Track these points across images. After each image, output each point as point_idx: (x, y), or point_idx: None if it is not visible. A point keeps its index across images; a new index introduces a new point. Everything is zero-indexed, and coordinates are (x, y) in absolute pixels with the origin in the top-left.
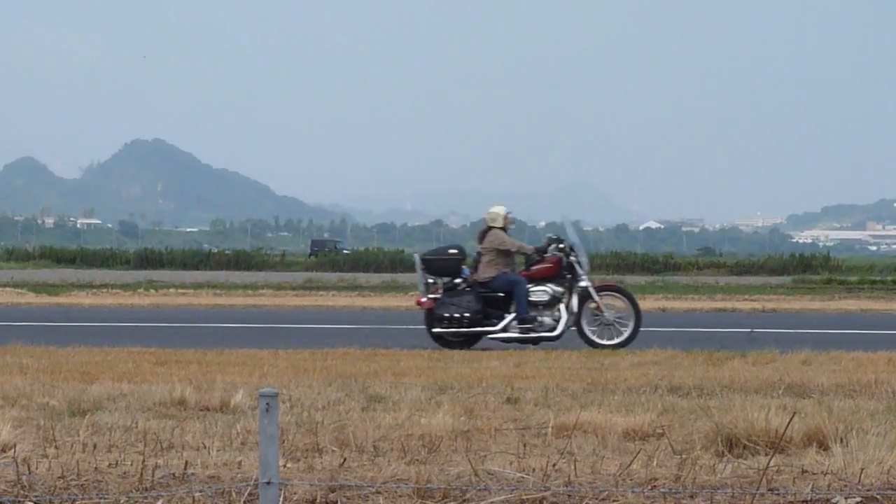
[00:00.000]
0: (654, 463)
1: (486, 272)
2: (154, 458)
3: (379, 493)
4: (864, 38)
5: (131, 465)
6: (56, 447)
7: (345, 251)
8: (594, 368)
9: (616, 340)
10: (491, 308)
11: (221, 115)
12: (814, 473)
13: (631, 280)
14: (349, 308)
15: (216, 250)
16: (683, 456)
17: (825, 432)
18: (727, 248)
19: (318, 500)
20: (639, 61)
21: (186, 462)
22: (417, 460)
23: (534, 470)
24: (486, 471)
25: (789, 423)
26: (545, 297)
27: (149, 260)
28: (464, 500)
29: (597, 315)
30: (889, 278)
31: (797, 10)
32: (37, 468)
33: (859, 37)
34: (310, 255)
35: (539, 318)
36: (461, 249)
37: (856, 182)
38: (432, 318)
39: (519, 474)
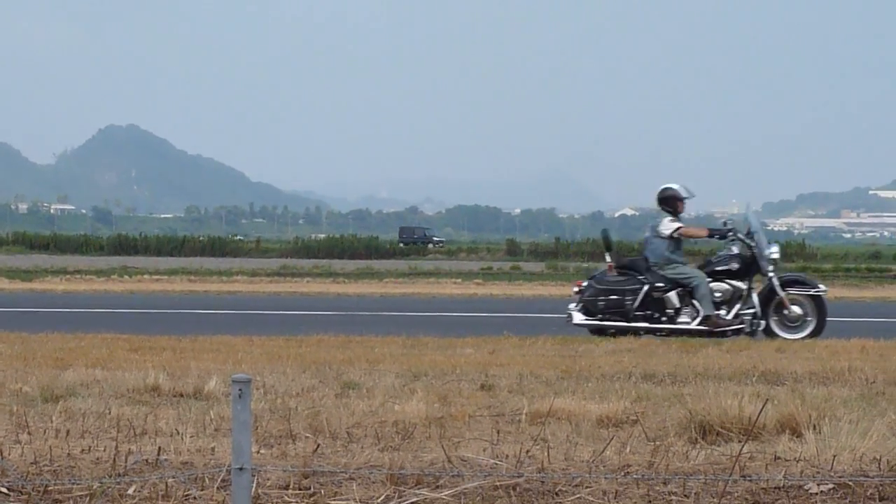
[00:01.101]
0: (628, 450)
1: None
2: (127, 444)
3: (352, 479)
4: (841, 28)
5: (104, 450)
6: (29, 433)
7: (437, 240)
8: (568, 356)
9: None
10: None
11: (197, 101)
12: (786, 460)
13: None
14: (324, 295)
15: (191, 237)
16: (657, 443)
17: (798, 419)
18: None
19: (291, 486)
20: (617, 52)
21: (160, 448)
22: (391, 447)
23: (507, 456)
24: (460, 457)
25: (762, 410)
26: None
27: (123, 246)
28: (437, 487)
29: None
30: (863, 266)
31: (775, 1)
32: (9, 454)
33: (835, 27)
34: (398, 242)
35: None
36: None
37: (831, 170)
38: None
39: (492, 461)
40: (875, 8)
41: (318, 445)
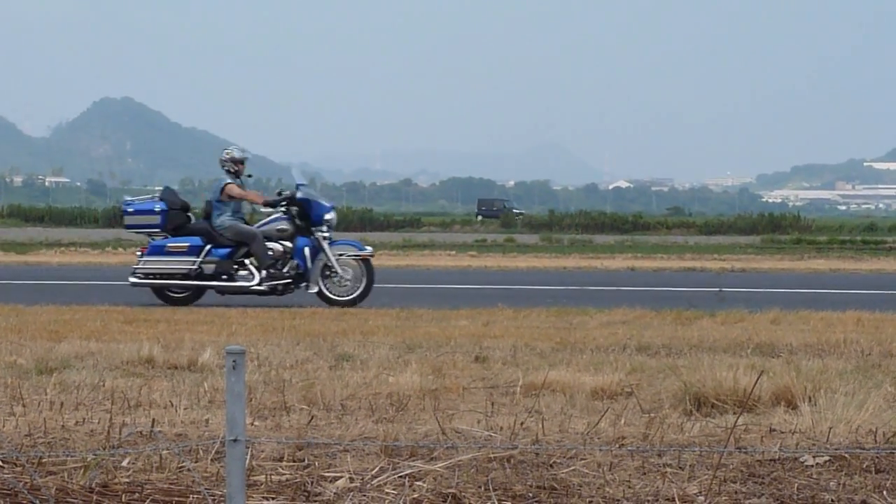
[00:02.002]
0: (622, 422)
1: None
2: (121, 416)
3: (346, 451)
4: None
5: (98, 422)
6: (23, 405)
7: (516, 211)
8: (563, 328)
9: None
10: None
11: (191, 73)
12: (782, 432)
13: (600, 239)
14: None
15: None
16: (651, 415)
17: (793, 392)
18: (697, 207)
19: (285, 458)
20: (610, 22)
21: (154, 420)
22: (385, 419)
23: (501, 428)
24: (454, 429)
25: (757, 382)
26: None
27: (118, 219)
28: (431, 459)
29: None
30: (858, 238)
31: None
32: (4, 426)
33: None
34: (476, 214)
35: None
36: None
37: (825, 142)
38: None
39: (487, 433)
40: None
41: (313, 417)
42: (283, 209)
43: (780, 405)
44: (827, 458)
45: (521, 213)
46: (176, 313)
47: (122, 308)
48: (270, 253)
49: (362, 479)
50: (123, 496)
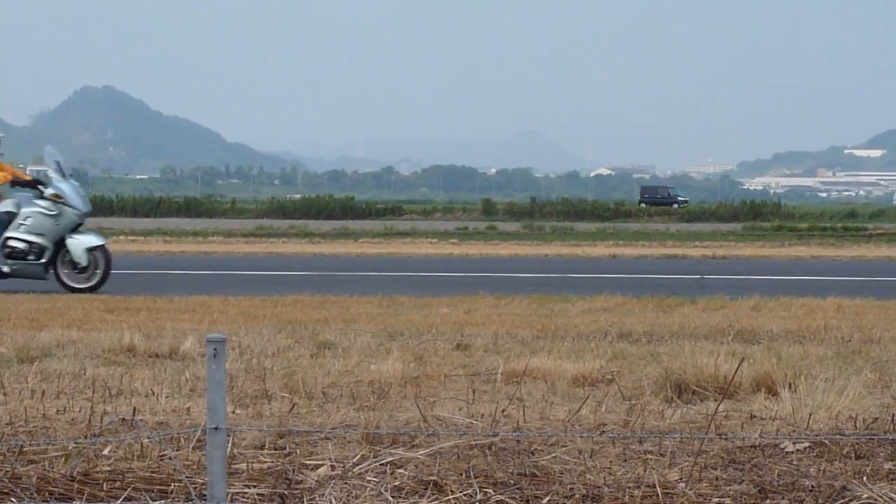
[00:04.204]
0: (603, 409)
1: None
2: (102, 404)
3: (328, 438)
4: None
5: (80, 411)
6: (4, 394)
7: (681, 199)
8: (544, 315)
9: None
10: None
11: (173, 62)
12: (762, 419)
13: (582, 227)
14: (300, 255)
15: (166, 197)
16: (633, 401)
17: (774, 378)
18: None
19: (266, 446)
20: (593, 10)
21: (135, 408)
22: (367, 406)
23: (483, 416)
24: (436, 416)
25: (738, 368)
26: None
27: (99, 207)
28: (413, 446)
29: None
30: (839, 225)
31: None
32: None
33: None
34: (640, 202)
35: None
36: None
37: (806, 129)
38: None
39: (468, 420)
40: None
41: (294, 405)
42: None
43: (761, 392)
44: (807, 444)
45: (685, 202)
46: (157, 302)
47: (104, 296)
48: None
49: (344, 466)
50: (105, 484)
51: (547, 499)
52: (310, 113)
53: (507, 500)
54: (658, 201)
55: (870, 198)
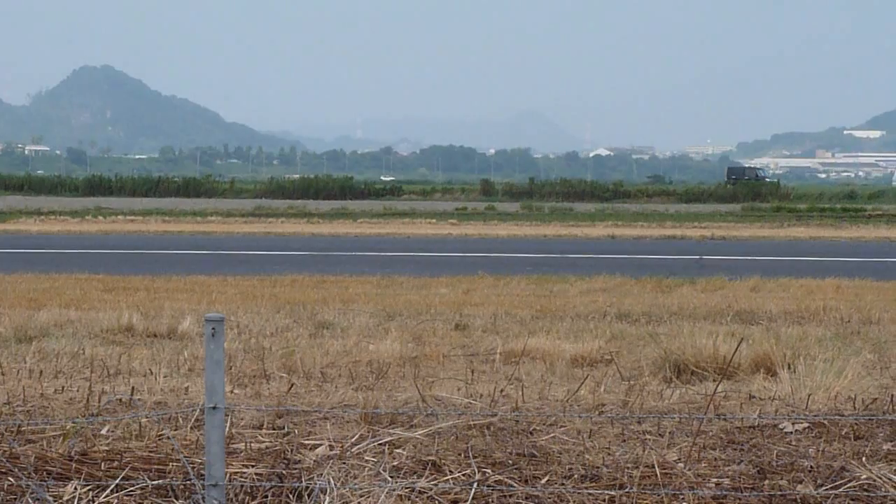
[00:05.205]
0: (602, 389)
1: None
2: (101, 384)
3: (326, 418)
4: None
5: (78, 391)
6: (2, 373)
7: (768, 180)
8: (543, 295)
9: None
10: None
11: (172, 41)
12: (761, 399)
13: (581, 207)
14: (299, 235)
15: (165, 177)
16: (631, 382)
17: (773, 359)
18: (677, 175)
19: (265, 426)
20: None
21: (133, 388)
22: (365, 386)
23: (481, 396)
24: (434, 397)
25: (737, 349)
26: None
27: (98, 187)
28: (411, 426)
29: None
30: (838, 206)
31: None
32: None
33: None
34: (726, 183)
35: None
36: None
37: (806, 110)
38: None
39: (467, 400)
40: None
41: (292, 385)
42: None
43: (760, 372)
44: (806, 424)
45: (770, 182)
46: (155, 281)
47: (102, 276)
48: None
49: (342, 446)
50: (103, 464)
51: (546, 479)
52: (309, 93)
53: (505, 479)
54: (745, 181)
55: (869, 179)
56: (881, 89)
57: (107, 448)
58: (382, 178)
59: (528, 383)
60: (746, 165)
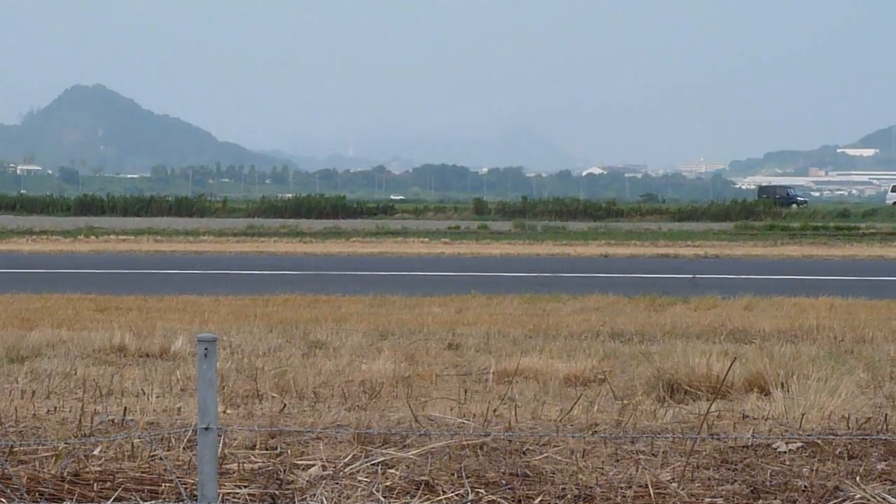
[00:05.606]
0: (595, 408)
1: None
2: (93, 404)
3: (319, 438)
4: None
5: (70, 411)
6: None
7: (801, 200)
8: (536, 314)
9: None
10: None
11: (163, 61)
12: (754, 419)
13: (574, 226)
14: (291, 254)
15: (157, 197)
16: (625, 401)
17: (766, 378)
18: (670, 194)
19: (257, 446)
20: (583, 7)
21: (125, 408)
22: (358, 406)
23: (474, 416)
24: (427, 416)
25: (730, 368)
26: None
27: (89, 206)
28: (404, 446)
29: None
30: (831, 224)
31: None
32: None
33: None
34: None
35: None
36: None
37: (799, 128)
38: None
39: (460, 420)
40: None
41: (285, 405)
42: None
43: (753, 391)
44: (800, 444)
45: (805, 202)
46: (148, 301)
47: (94, 296)
48: None
49: (335, 466)
50: (95, 485)
51: (539, 499)
52: (301, 112)
53: (498, 500)
54: (777, 202)
55: (862, 197)
56: (874, 107)
57: (99, 469)
58: (392, 196)
59: (521, 403)
60: (777, 185)
